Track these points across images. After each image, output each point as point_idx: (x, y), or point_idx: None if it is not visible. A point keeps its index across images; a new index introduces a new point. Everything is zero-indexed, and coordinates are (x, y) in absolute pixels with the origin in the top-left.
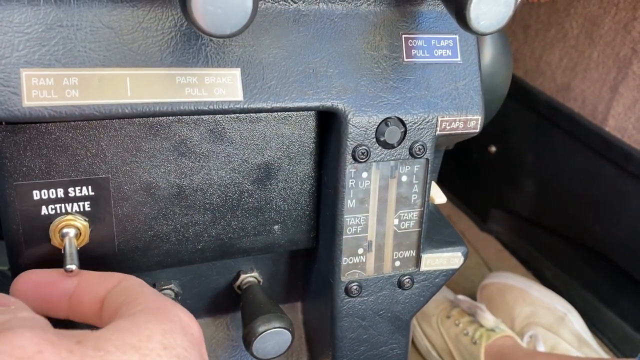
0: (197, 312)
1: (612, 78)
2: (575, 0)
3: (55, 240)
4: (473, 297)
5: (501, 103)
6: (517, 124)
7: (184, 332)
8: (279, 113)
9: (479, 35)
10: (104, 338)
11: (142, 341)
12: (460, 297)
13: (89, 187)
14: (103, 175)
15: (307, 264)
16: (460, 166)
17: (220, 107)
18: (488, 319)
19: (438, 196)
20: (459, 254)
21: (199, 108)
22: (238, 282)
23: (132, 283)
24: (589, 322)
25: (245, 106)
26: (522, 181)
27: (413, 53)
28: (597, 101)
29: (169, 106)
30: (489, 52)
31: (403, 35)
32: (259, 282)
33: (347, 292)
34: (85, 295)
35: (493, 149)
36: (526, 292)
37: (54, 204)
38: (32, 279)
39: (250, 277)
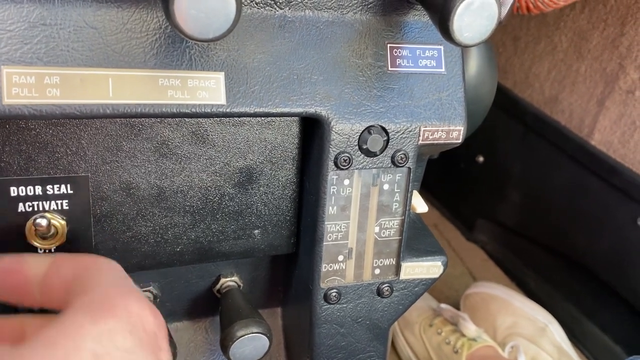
0: (176, 315)
1: (599, 92)
2: (565, 15)
3: (32, 238)
4: (457, 306)
5: (485, 114)
6: (504, 135)
7: (129, 329)
8: (262, 118)
9: (462, 47)
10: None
11: (68, 355)
12: (443, 305)
13: (68, 186)
14: (82, 174)
15: (288, 270)
16: (448, 175)
17: (203, 110)
18: (470, 328)
19: (420, 205)
20: (439, 263)
21: (181, 111)
22: (218, 286)
23: (96, 267)
24: (570, 333)
25: (228, 110)
26: (508, 192)
27: (398, 62)
28: (584, 114)
29: (150, 108)
30: (474, 63)
31: (388, 45)
32: (239, 286)
33: (326, 298)
34: (55, 279)
35: (481, 159)
36: (509, 302)
37: (31, 202)
38: None
39: (230, 281)
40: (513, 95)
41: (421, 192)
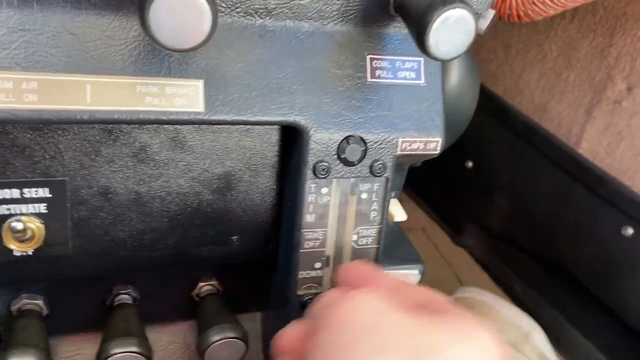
0: (155, 317)
1: (587, 102)
2: (555, 23)
3: (8, 241)
4: None
5: (467, 124)
6: (494, 142)
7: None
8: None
9: (438, 60)
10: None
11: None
12: None
13: (46, 189)
14: (60, 178)
15: (267, 275)
16: (437, 179)
17: (181, 117)
18: None
19: (398, 213)
20: (416, 271)
21: (159, 117)
22: (196, 290)
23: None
24: (555, 339)
25: (206, 118)
26: (496, 198)
27: (377, 73)
28: (572, 123)
29: (128, 114)
30: (455, 74)
31: (368, 56)
32: (218, 290)
33: (303, 306)
34: None
35: (470, 164)
36: (493, 308)
37: (8, 205)
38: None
39: (208, 285)
40: (503, 103)
41: (410, 195)
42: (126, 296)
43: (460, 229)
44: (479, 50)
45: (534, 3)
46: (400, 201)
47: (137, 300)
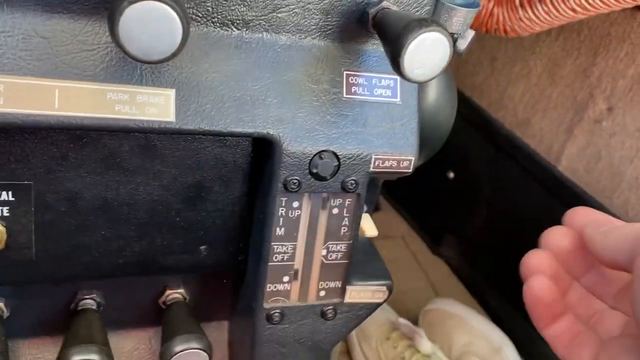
0: (120, 323)
1: (568, 119)
2: (541, 40)
3: None
4: (417, 319)
5: (444, 140)
6: (476, 154)
7: None
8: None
9: (412, 82)
10: None
11: None
12: (401, 320)
13: (9, 193)
14: (25, 182)
15: (236, 285)
16: (418, 188)
17: (150, 126)
18: (425, 345)
19: (369, 229)
20: (384, 288)
21: (128, 126)
22: (163, 298)
23: None
24: (527, 354)
25: (177, 127)
26: (476, 209)
27: (353, 90)
28: (553, 140)
29: (96, 121)
30: (433, 91)
31: (345, 72)
32: (185, 299)
33: (269, 318)
34: None
35: (451, 175)
36: (466, 321)
37: None
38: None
39: (176, 293)
40: (487, 116)
41: (391, 204)
42: (90, 301)
43: (439, 238)
44: (465, 62)
45: (520, 19)
46: (381, 209)
47: (102, 306)
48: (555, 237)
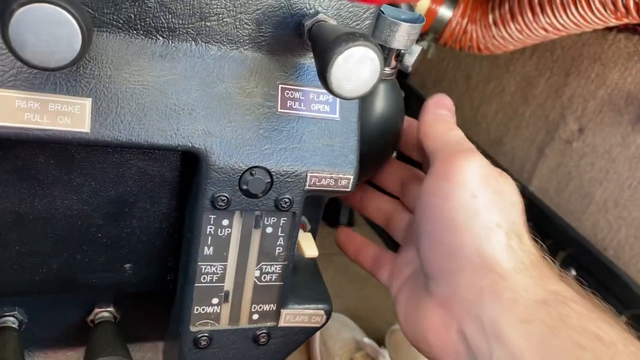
0: (45, 343)
1: (540, 139)
2: (515, 59)
3: None
4: (383, 339)
5: (391, 155)
6: None
7: None
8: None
9: (341, 99)
10: None
11: None
12: (366, 340)
13: None
14: None
15: (168, 305)
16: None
17: (63, 136)
18: None
19: (309, 249)
20: (322, 312)
21: (38, 135)
22: (91, 316)
23: None
24: None
25: (92, 138)
26: None
27: (289, 104)
28: (525, 160)
29: (3, 130)
30: (379, 104)
31: (280, 85)
32: (115, 317)
33: (196, 342)
34: None
35: None
36: None
37: None
38: None
39: (105, 312)
40: None
41: (366, 219)
42: (11, 318)
43: None
44: (441, 79)
45: (493, 37)
46: (356, 224)
47: (24, 324)
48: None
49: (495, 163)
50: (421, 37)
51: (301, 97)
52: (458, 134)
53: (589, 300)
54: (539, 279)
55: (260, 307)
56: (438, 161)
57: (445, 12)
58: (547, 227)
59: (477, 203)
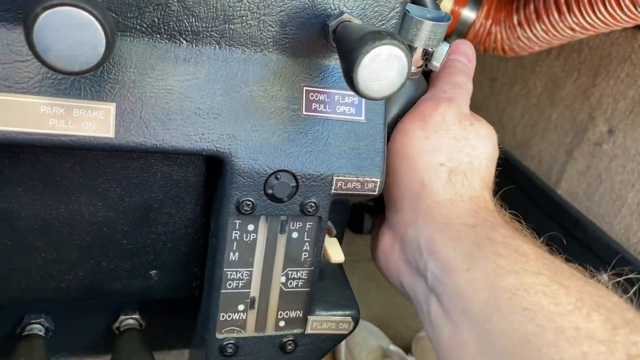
0: (71, 350)
1: (568, 141)
2: (541, 60)
3: None
4: (409, 346)
5: None
6: None
7: None
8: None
9: (368, 99)
10: None
11: None
12: (392, 347)
13: None
14: None
15: (194, 312)
16: None
17: (88, 142)
18: None
19: (335, 254)
20: (349, 319)
21: (63, 141)
22: (117, 324)
23: None
24: None
25: (116, 143)
26: None
27: (313, 107)
28: (553, 163)
29: (28, 137)
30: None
31: (304, 88)
32: (140, 325)
33: (222, 350)
34: None
35: None
36: None
37: None
38: None
39: (130, 319)
40: None
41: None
42: (38, 326)
43: None
44: None
45: (519, 38)
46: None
47: (51, 331)
48: None
49: (522, 166)
50: (444, 40)
51: (326, 100)
52: (454, 80)
53: (516, 227)
54: (472, 210)
55: (287, 314)
56: (417, 104)
57: (468, 13)
58: (577, 231)
59: (427, 144)
